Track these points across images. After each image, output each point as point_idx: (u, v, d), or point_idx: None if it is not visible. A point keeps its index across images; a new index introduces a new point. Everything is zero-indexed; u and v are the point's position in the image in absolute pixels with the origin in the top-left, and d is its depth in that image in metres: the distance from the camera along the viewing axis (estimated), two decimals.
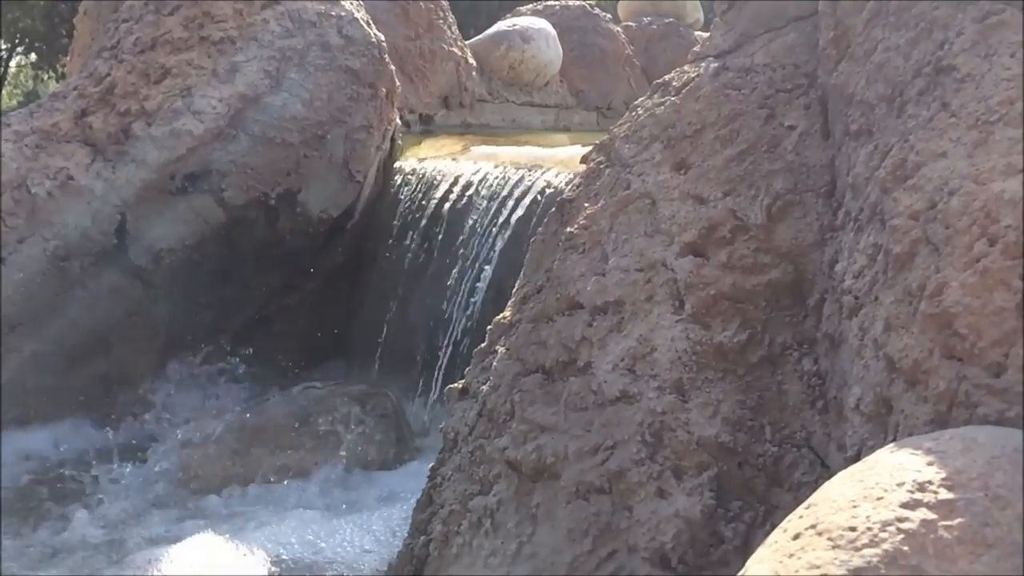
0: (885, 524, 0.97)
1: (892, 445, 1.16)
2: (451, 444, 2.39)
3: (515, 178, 4.21)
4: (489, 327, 2.49)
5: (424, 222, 4.52)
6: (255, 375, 4.51)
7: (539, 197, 3.99)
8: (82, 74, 4.46)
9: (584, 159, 2.55)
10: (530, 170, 4.23)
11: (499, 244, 4.04)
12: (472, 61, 6.89)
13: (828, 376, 1.82)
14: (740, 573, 1.08)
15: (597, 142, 2.55)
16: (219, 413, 4.07)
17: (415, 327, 4.40)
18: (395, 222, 4.70)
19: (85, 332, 4.14)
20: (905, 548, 0.95)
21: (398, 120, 5.23)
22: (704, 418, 1.87)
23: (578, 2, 8.37)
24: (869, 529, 0.98)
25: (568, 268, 2.26)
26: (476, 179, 4.40)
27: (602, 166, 2.43)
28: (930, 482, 1.01)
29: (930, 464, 1.04)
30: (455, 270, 4.22)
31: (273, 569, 2.97)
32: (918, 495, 1.00)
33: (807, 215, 1.98)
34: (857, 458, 1.43)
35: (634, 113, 2.47)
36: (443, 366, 4.08)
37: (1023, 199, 1.24)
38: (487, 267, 4.05)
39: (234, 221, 4.41)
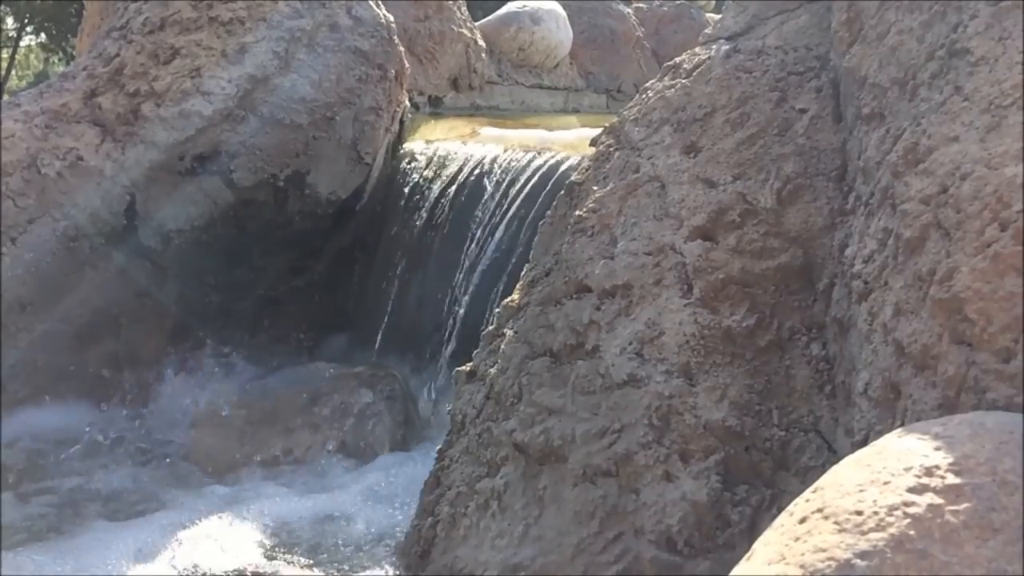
0: (892, 508, 0.98)
1: (900, 430, 1.16)
2: (459, 426, 2.40)
3: (523, 161, 4.19)
4: (497, 310, 2.49)
5: (432, 204, 4.52)
6: (263, 356, 4.53)
7: (547, 180, 3.98)
8: (91, 54, 4.45)
9: (593, 142, 2.55)
10: (539, 153, 4.22)
11: (506, 227, 4.03)
12: (482, 43, 6.85)
13: (836, 361, 1.82)
14: (746, 556, 1.09)
15: (607, 125, 2.54)
16: (227, 394, 4.08)
17: (421, 309, 4.40)
18: (403, 204, 4.70)
19: (95, 312, 4.16)
20: (912, 532, 0.95)
21: (407, 102, 5.22)
22: (711, 402, 1.87)
23: None
24: (876, 513, 0.98)
25: (577, 251, 2.26)
26: (484, 162, 4.39)
27: (611, 149, 2.42)
28: (937, 467, 1.01)
29: (938, 449, 1.04)
30: (462, 252, 4.22)
31: (278, 550, 2.99)
32: (925, 480, 1.00)
33: (817, 199, 1.97)
34: (864, 443, 1.43)
35: (644, 96, 2.46)
36: (448, 348, 4.09)
37: None
38: (493, 250, 4.04)
39: (243, 202, 4.42)
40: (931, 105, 1.50)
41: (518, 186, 4.09)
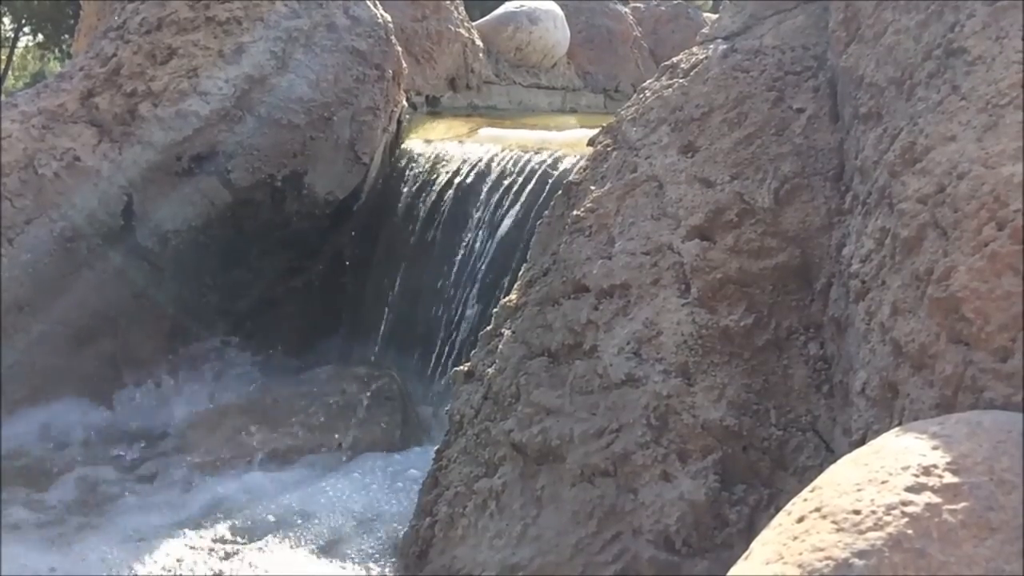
0: (890, 508, 0.97)
1: (897, 429, 1.16)
2: (457, 426, 2.40)
3: (522, 160, 4.19)
4: (495, 310, 2.49)
5: (430, 204, 4.52)
6: (261, 357, 4.53)
7: (545, 180, 3.98)
8: (88, 55, 4.45)
9: (591, 142, 2.55)
10: (537, 152, 4.22)
11: (504, 227, 4.03)
12: (479, 42, 6.85)
13: (834, 360, 1.82)
14: (744, 555, 1.09)
15: (604, 124, 2.54)
16: (225, 394, 4.08)
17: (419, 309, 4.40)
18: (401, 204, 4.70)
19: (92, 313, 4.15)
20: (909, 532, 0.95)
21: (404, 102, 5.21)
22: (709, 402, 1.87)
23: None
24: (874, 512, 0.98)
25: (574, 251, 2.26)
26: (483, 161, 4.39)
27: (609, 149, 2.42)
28: (935, 466, 1.01)
29: (935, 448, 1.04)
30: (460, 253, 4.22)
31: (276, 550, 2.99)
32: (923, 479, 1.00)
33: (815, 199, 1.97)
34: (862, 442, 1.43)
35: (641, 95, 2.47)
36: (447, 348, 4.09)
37: None
38: (492, 249, 4.04)
39: (240, 203, 4.41)
40: (928, 104, 1.50)
41: (516, 186, 4.09)
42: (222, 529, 3.12)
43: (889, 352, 1.47)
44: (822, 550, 0.97)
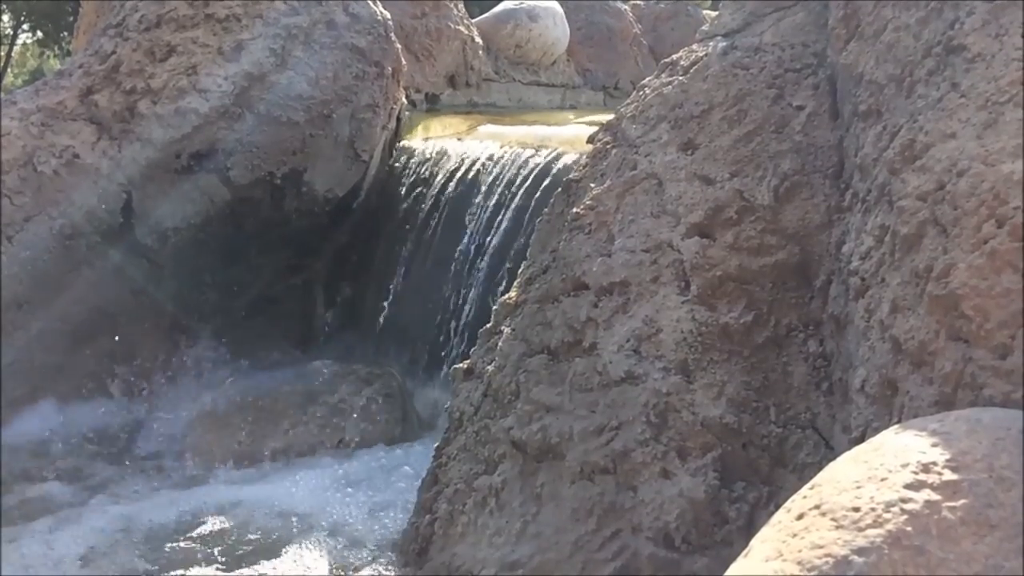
0: (889, 505, 0.98)
1: (897, 426, 1.16)
2: (456, 424, 2.40)
3: (521, 158, 4.19)
4: (495, 307, 2.49)
5: (429, 202, 4.52)
6: (261, 354, 4.52)
7: (544, 177, 3.98)
8: (87, 52, 4.44)
9: (591, 139, 2.54)
10: (536, 150, 4.22)
11: (503, 225, 4.03)
12: (478, 40, 6.85)
13: (833, 358, 1.82)
14: (744, 553, 1.09)
15: (604, 122, 2.54)
16: (224, 392, 4.08)
17: (419, 307, 4.40)
18: (401, 202, 4.70)
19: (91, 310, 4.15)
20: (909, 529, 0.95)
21: (404, 99, 5.21)
22: (709, 399, 1.87)
23: None
24: (873, 510, 0.98)
25: (574, 249, 2.26)
26: (482, 158, 4.39)
27: (609, 146, 2.42)
28: (934, 463, 1.01)
29: (935, 445, 1.04)
30: (459, 250, 4.21)
31: (276, 547, 2.99)
32: (922, 476, 1.00)
33: (814, 196, 1.97)
34: (862, 439, 1.43)
35: (641, 93, 2.46)
36: (446, 345, 4.09)
37: None
38: (492, 247, 4.04)
39: (240, 200, 4.41)
40: (928, 102, 1.50)
41: (516, 183, 4.09)
42: (220, 527, 3.12)
43: (888, 349, 1.47)
44: (821, 547, 0.97)
